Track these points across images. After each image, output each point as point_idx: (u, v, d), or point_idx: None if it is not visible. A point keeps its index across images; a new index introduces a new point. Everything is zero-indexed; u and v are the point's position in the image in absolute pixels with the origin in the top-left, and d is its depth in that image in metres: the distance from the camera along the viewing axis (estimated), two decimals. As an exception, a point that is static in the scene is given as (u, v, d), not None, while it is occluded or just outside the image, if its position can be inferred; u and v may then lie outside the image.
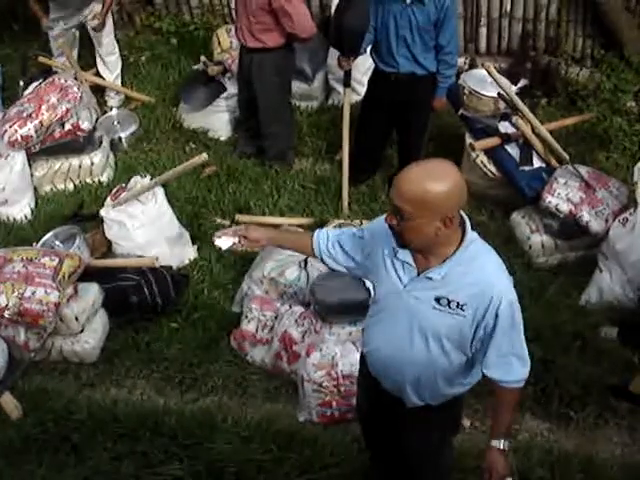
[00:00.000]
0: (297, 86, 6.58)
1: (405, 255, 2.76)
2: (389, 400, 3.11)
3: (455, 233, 2.69)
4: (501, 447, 2.88)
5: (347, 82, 5.35)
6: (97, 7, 6.42)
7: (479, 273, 2.69)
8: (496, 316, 2.69)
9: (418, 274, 2.75)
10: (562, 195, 5.00)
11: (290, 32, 5.40)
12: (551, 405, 4.32)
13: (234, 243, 3.17)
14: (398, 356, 2.91)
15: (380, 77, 5.32)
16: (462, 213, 2.73)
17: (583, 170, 5.16)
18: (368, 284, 4.03)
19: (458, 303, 2.70)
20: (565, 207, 4.98)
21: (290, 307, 4.55)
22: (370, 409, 3.39)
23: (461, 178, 2.61)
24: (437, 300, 2.72)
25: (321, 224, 5.23)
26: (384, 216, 2.75)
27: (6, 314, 4.40)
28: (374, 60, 5.31)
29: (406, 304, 2.79)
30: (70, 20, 6.45)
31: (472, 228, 2.76)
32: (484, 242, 2.79)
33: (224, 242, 3.19)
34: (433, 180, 2.55)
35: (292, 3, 5.25)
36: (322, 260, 3.15)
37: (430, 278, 2.72)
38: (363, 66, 6.06)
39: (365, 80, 5.71)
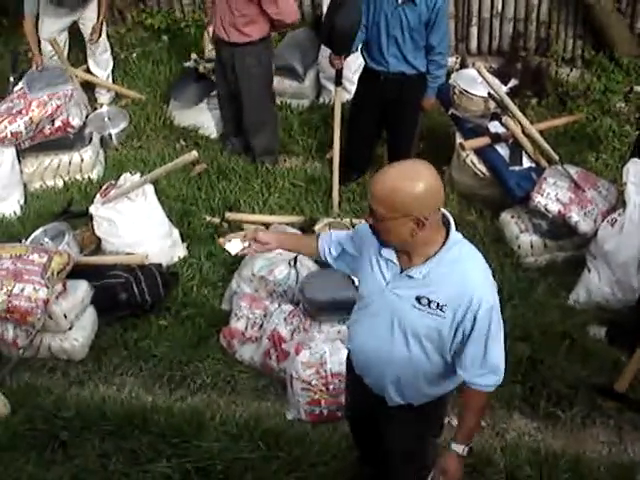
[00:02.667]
0: (288, 84, 6.59)
1: (389, 253, 2.77)
2: (372, 397, 3.12)
3: (437, 233, 2.69)
4: (460, 452, 2.91)
5: (338, 81, 5.35)
6: (90, 9, 6.38)
7: (461, 276, 2.68)
8: (474, 320, 2.69)
9: (401, 272, 2.76)
10: (551, 195, 5.02)
11: (275, 18, 5.38)
12: (539, 404, 4.33)
13: (244, 247, 3.19)
14: (379, 353, 2.92)
15: (370, 76, 5.32)
16: (446, 213, 2.74)
17: (572, 170, 5.17)
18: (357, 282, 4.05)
19: (438, 304, 2.70)
20: (554, 207, 4.99)
21: (279, 305, 4.55)
22: (356, 406, 3.41)
23: (436, 180, 2.60)
24: (417, 299, 2.73)
25: (311, 222, 5.23)
26: None
27: (-6, 311, 4.39)
28: (364, 58, 5.32)
29: (388, 301, 2.80)
30: (62, 21, 6.40)
31: (457, 228, 2.77)
32: (471, 245, 2.79)
33: (233, 246, 3.22)
34: (404, 181, 2.56)
35: None
36: (325, 259, 3.21)
37: (411, 277, 2.72)
38: (354, 64, 6.05)
39: (356, 78, 5.70)
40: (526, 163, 5.39)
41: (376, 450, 3.40)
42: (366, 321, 2.95)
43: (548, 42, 6.99)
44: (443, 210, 2.72)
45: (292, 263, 4.64)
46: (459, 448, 2.90)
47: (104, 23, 6.59)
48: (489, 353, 2.78)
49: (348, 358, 3.28)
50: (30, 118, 5.63)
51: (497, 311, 2.75)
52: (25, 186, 5.91)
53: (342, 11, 4.91)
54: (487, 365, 2.80)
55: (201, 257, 5.25)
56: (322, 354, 4.16)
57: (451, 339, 2.77)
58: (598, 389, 4.34)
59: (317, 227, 5.10)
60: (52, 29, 6.41)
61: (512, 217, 5.31)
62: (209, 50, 6.54)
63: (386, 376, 2.98)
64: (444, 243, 2.70)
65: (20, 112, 5.65)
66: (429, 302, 2.72)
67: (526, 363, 4.45)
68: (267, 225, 5.28)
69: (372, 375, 3.06)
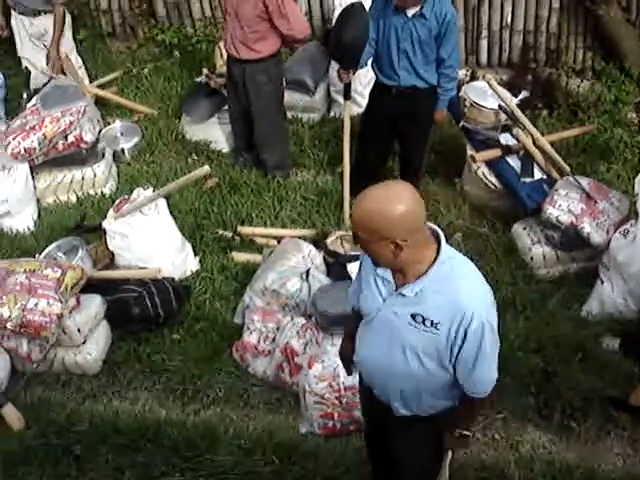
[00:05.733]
0: (299, 98, 6.61)
1: (384, 271, 2.79)
2: (381, 407, 3.15)
3: (426, 250, 2.69)
4: (455, 435, 3.07)
5: (347, 95, 5.37)
6: (46, 21, 6.41)
7: (453, 292, 2.68)
8: (465, 334, 2.69)
9: (395, 289, 2.78)
10: (563, 207, 5.01)
11: (287, 34, 5.41)
12: (553, 417, 4.32)
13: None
14: (381, 368, 2.96)
15: (381, 90, 5.33)
16: (436, 228, 2.75)
17: (584, 181, 5.17)
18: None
19: (432, 321, 2.71)
20: (566, 218, 4.99)
21: (292, 319, 4.56)
22: (367, 415, 3.47)
23: (415, 203, 2.59)
24: (413, 317, 2.74)
25: (323, 236, 5.24)
26: None
27: (9, 325, 4.42)
28: (375, 73, 5.33)
29: (386, 318, 2.82)
30: (32, 38, 6.48)
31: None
32: (465, 260, 2.79)
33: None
34: (381, 205, 2.57)
35: (287, 4, 5.28)
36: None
37: (403, 295, 2.73)
38: (365, 78, 6.08)
39: (366, 92, 5.72)
40: (537, 175, 5.40)
41: (385, 459, 3.42)
42: (368, 336, 2.99)
43: (558, 53, 6.99)
44: (432, 225, 2.74)
45: (304, 276, 4.65)
46: (456, 432, 3.07)
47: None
48: (477, 368, 2.79)
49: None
50: (44, 134, 5.66)
51: (491, 328, 2.72)
52: (38, 201, 5.94)
53: (349, 26, 4.95)
54: (475, 375, 2.82)
55: (213, 271, 5.26)
56: (335, 367, 4.16)
57: (449, 353, 2.78)
58: (612, 401, 4.32)
59: (329, 240, 5.11)
60: (25, 46, 6.54)
61: (524, 229, 5.30)
62: (220, 65, 6.59)
63: (390, 389, 3.02)
64: (435, 259, 2.70)
65: (34, 128, 5.68)
66: (423, 319, 2.73)
67: (539, 375, 4.45)
68: (279, 239, 5.29)
69: (377, 387, 3.11)
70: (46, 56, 6.45)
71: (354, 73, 5.28)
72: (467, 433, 3.07)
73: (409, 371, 2.86)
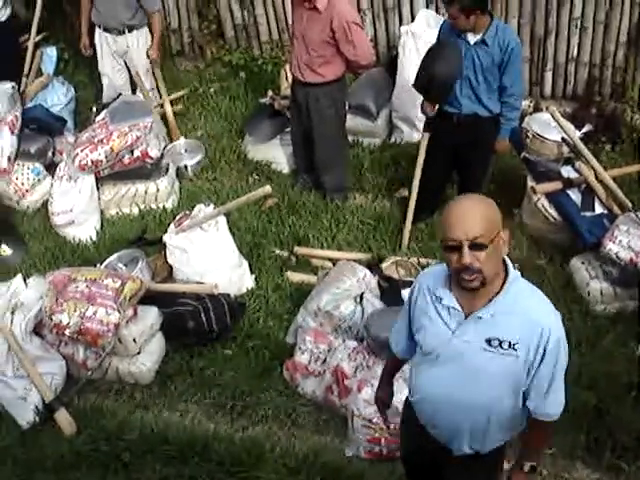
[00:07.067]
0: (360, 123, 6.65)
1: (450, 300, 2.78)
2: (436, 447, 3.09)
3: (501, 267, 2.72)
4: (525, 470, 3.02)
5: (427, 127, 5.37)
6: (131, 39, 6.62)
7: (527, 311, 2.71)
8: (544, 352, 2.70)
9: (465, 317, 2.76)
10: (623, 243, 4.94)
11: (352, 59, 5.47)
12: (603, 455, 4.24)
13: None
14: (450, 404, 2.90)
15: (443, 117, 5.31)
16: None
17: (646, 218, 5.10)
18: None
19: (510, 343, 2.70)
20: (626, 255, 4.92)
21: (344, 341, 4.57)
22: (415, 455, 3.37)
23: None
24: (488, 342, 2.72)
25: (378, 260, 5.26)
26: (421, 275, 2.99)
27: (67, 332, 4.53)
28: (438, 100, 5.34)
29: (457, 350, 2.79)
30: (112, 54, 6.70)
31: (524, 271, 2.79)
32: (526, 281, 2.81)
33: None
34: (479, 201, 2.68)
35: (354, 31, 5.33)
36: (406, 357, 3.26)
37: (480, 318, 2.72)
38: (427, 105, 6.09)
39: (429, 119, 5.73)
40: (598, 209, 5.34)
41: None
42: (433, 372, 2.93)
43: (623, 88, 6.91)
44: None
45: (358, 300, 4.67)
46: (524, 466, 3.02)
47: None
48: (554, 384, 2.79)
49: (406, 408, 3.26)
50: (111, 147, 5.80)
51: (564, 341, 2.77)
52: (102, 212, 6.07)
53: (442, 61, 4.94)
54: (550, 396, 2.81)
55: (268, 289, 5.31)
56: (384, 392, 4.16)
57: (525, 374, 2.77)
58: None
59: (384, 265, 5.13)
60: (106, 62, 6.75)
61: (582, 263, 5.24)
62: (285, 87, 6.68)
63: (458, 426, 2.96)
64: (504, 280, 2.73)
65: (101, 141, 5.82)
66: (500, 343, 2.71)
67: (591, 412, 4.37)
68: (334, 261, 5.32)
69: (441, 426, 3.03)
70: (147, 55, 6.74)
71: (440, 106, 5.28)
72: (536, 465, 3.03)
73: (482, 402, 2.83)
